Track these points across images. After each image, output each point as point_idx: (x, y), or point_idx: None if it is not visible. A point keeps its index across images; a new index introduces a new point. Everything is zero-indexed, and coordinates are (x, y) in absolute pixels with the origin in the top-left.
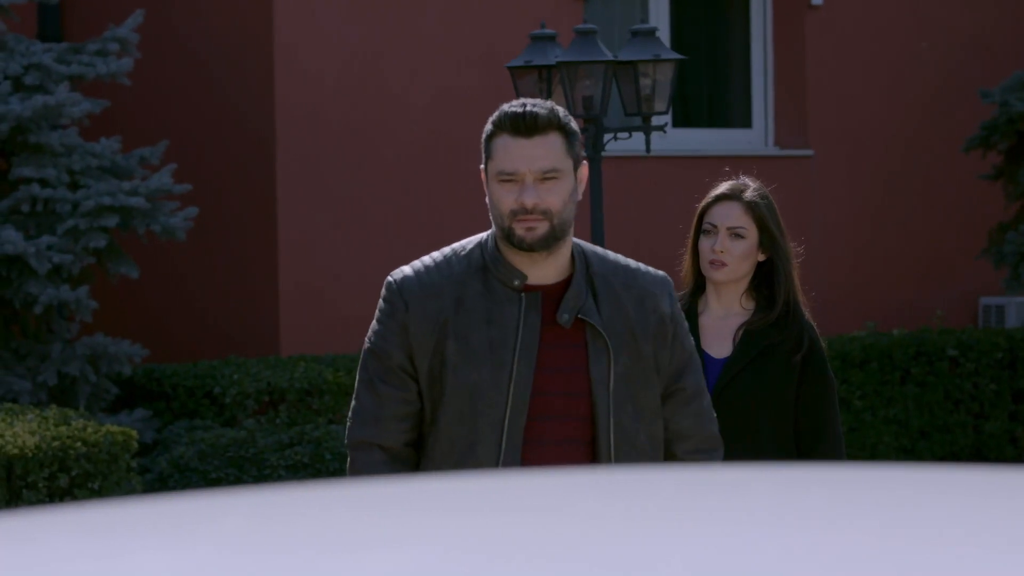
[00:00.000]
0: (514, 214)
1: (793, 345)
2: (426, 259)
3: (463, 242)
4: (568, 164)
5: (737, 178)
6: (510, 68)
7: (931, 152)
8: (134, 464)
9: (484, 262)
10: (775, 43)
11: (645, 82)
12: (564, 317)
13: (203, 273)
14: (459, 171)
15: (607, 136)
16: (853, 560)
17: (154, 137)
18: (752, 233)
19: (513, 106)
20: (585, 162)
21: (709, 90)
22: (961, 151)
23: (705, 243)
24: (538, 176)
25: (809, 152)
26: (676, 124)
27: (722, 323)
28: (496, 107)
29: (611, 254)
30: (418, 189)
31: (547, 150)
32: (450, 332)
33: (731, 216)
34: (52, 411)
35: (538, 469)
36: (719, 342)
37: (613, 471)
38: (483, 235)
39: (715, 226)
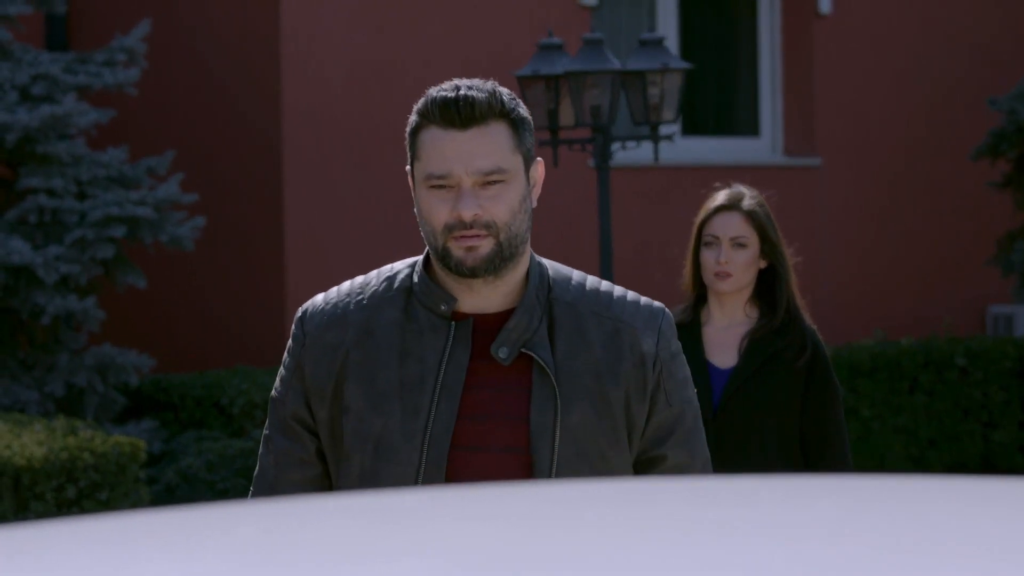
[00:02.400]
0: (449, 229)
1: (797, 350)
2: (346, 283)
3: (400, 261)
4: (517, 162)
5: (731, 187)
6: (518, 77)
7: (939, 160)
8: (142, 475)
9: (410, 284)
10: (783, 52)
11: (653, 91)
12: (502, 351)
13: (211, 283)
14: None
15: (615, 145)
16: (860, 571)
17: (161, 147)
18: (754, 242)
19: (443, 89)
20: (540, 159)
21: (717, 99)
22: (969, 159)
23: (708, 255)
24: (478, 180)
25: (817, 160)
26: (684, 132)
27: (726, 333)
28: None
29: (590, 279)
30: None
31: (489, 145)
32: (351, 370)
33: (732, 226)
34: (60, 422)
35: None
36: (724, 352)
37: (619, 481)
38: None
39: (717, 237)
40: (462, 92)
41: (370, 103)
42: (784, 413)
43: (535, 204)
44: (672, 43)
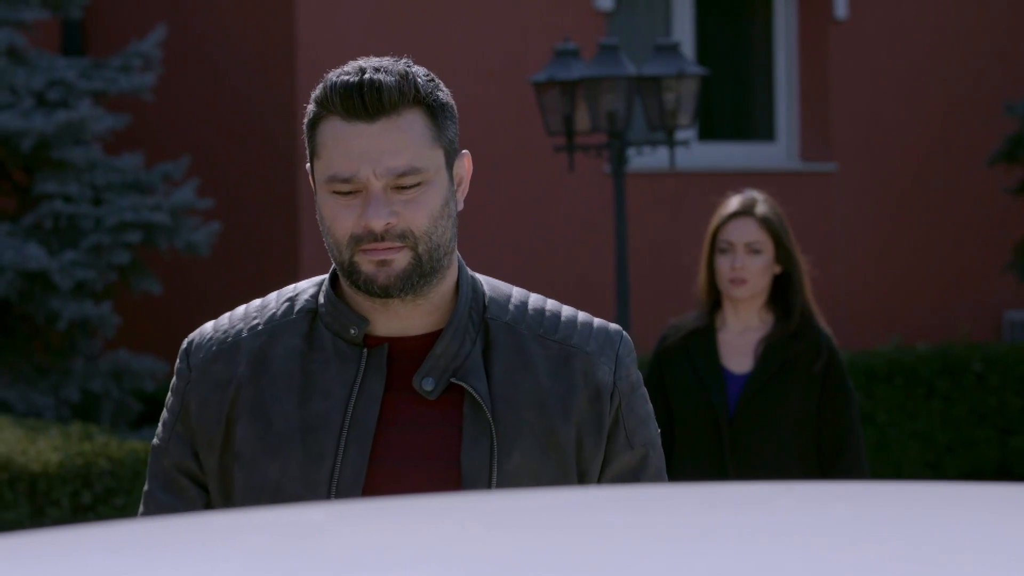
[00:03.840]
0: (356, 241)
1: (812, 356)
2: (242, 307)
3: (307, 280)
4: (437, 158)
5: (743, 192)
6: (534, 83)
7: (955, 165)
8: None
9: (315, 305)
10: (799, 57)
11: (669, 97)
12: (427, 382)
13: (226, 288)
14: (482, 184)
15: (631, 151)
16: None
17: (177, 152)
18: (768, 247)
19: (344, 72)
20: (466, 152)
21: (733, 104)
22: (986, 165)
23: (723, 261)
24: (390, 181)
25: (833, 165)
26: (700, 138)
27: (741, 338)
28: (520, 121)
29: (534, 297)
30: None
31: (402, 139)
32: (243, 409)
33: (747, 232)
34: (75, 427)
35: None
36: (739, 357)
37: (633, 489)
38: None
39: (731, 243)
40: (367, 76)
41: None
42: (800, 418)
43: (461, 206)
44: (688, 48)
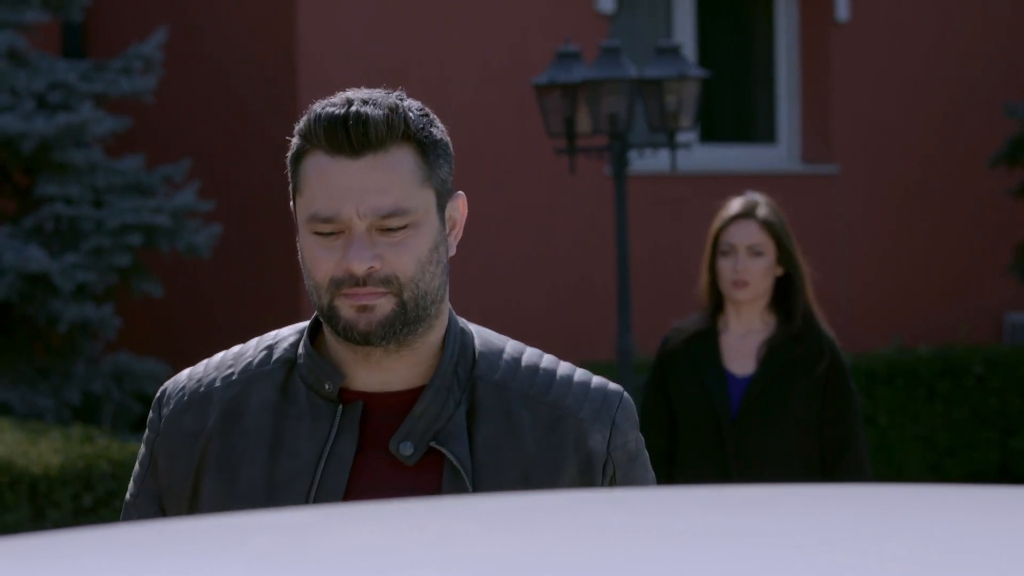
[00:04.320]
0: (336, 285)
1: (814, 358)
2: (220, 354)
3: (291, 326)
4: (427, 199)
5: (744, 195)
6: (535, 86)
7: (956, 167)
8: None
9: (294, 355)
10: (800, 59)
11: (670, 99)
12: (404, 446)
13: (227, 290)
14: (483, 189)
15: (632, 153)
16: None
17: (178, 154)
18: (770, 249)
19: (331, 104)
20: (460, 194)
21: (734, 106)
22: (987, 166)
23: (725, 264)
24: (374, 222)
25: (834, 168)
26: (701, 140)
27: (743, 341)
28: (521, 123)
29: (529, 352)
30: None
31: (388, 178)
32: (211, 462)
33: (749, 235)
34: (76, 430)
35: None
36: (741, 360)
37: (635, 491)
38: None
39: (733, 246)
40: (354, 108)
41: None
42: (802, 420)
43: (454, 251)
44: (689, 51)
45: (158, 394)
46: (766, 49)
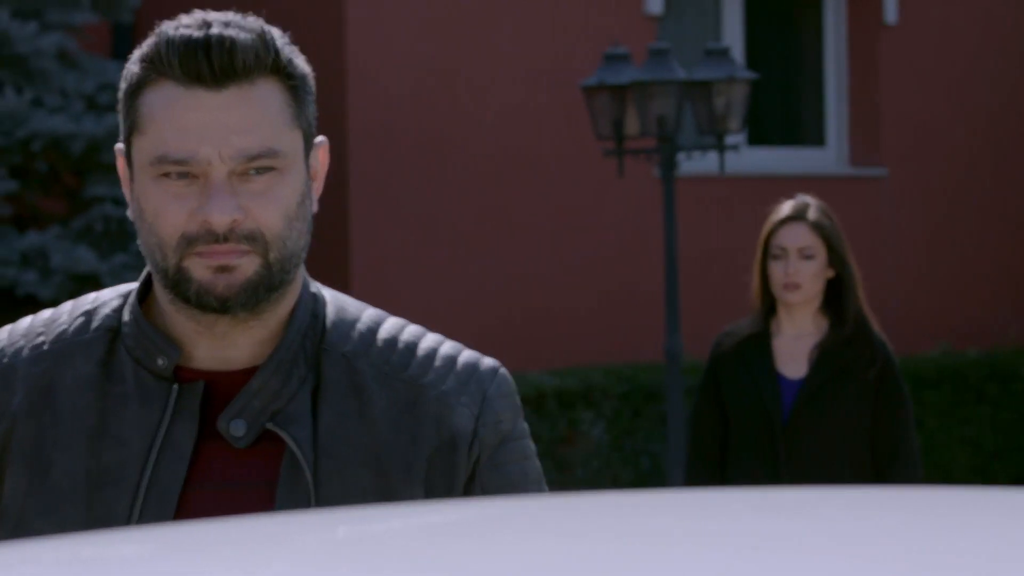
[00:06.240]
0: (189, 242)
1: (867, 361)
2: (28, 318)
3: (111, 289)
4: (295, 141)
5: (795, 198)
6: (583, 88)
7: (1004, 169)
8: None
9: (118, 323)
10: (849, 61)
11: (719, 101)
12: (236, 425)
13: None
14: (532, 191)
15: (680, 155)
16: None
17: None
18: (821, 252)
19: (186, 26)
20: (323, 140)
21: (782, 109)
22: None
23: (776, 267)
24: (238, 166)
25: (883, 170)
26: (749, 143)
27: (796, 344)
28: (570, 126)
29: (390, 322)
30: (491, 207)
31: (256, 114)
32: (15, 451)
33: (799, 238)
34: None
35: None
36: (794, 363)
37: (676, 491)
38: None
39: (784, 249)
40: (215, 31)
41: (435, 111)
42: (854, 423)
43: (316, 207)
44: (738, 53)
45: None
46: (814, 51)
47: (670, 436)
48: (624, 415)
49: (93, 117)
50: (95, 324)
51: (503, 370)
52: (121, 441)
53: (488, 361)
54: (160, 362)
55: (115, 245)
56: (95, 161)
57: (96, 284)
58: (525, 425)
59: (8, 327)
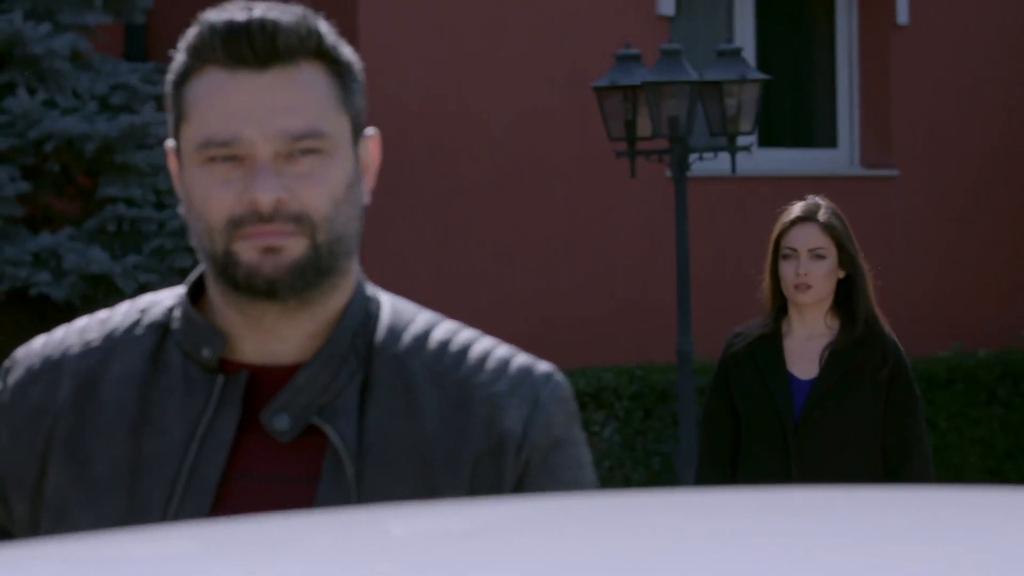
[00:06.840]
0: (236, 225)
1: (878, 362)
2: (84, 318)
3: (169, 289)
4: (342, 126)
5: (806, 199)
6: (595, 88)
7: (1016, 170)
8: None
9: (167, 319)
10: (860, 62)
11: (730, 102)
12: (280, 419)
13: None
14: (544, 191)
15: (692, 156)
16: None
17: None
18: (832, 252)
19: (226, 11)
20: (374, 130)
21: (794, 110)
22: None
23: (787, 268)
24: (283, 147)
25: (894, 172)
26: (761, 144)
27: (807, 344)
28: (581, 126)
29: (445, 325)
30: (503, 210)
31: (300, 95)
32: (59, 443)
33: (810, 238)
34: None
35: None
36: (805, 363)
37: (687, 491)
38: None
39: (795, 250)
40: (256, 14)
41: (445, 115)
42: (866, 424)
43: (368, 199)
44: (749, 54)
45: (7, 362)
46: (826, 52)
47: (682, 436)
48: (635, 416)
49: (106, 118)
50: (147, 321)
51: (559, 375)
52: (163, 430)
53: (543, 366)
54: (205, 352)
55: (128, 246)
56: (108, 162)
57: (109, 285)
58: (581, 434)
59: (65, 326)
